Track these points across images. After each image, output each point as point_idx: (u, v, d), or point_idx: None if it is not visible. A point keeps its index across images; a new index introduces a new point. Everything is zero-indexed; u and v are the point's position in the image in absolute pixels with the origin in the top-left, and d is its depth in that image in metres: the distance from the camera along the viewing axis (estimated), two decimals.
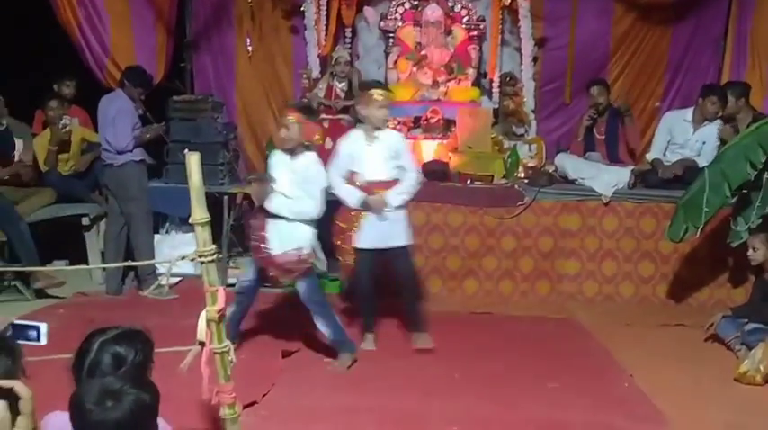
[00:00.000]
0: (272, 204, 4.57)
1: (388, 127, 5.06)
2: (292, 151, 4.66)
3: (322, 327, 4.75)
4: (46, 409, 2.18)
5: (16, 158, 6.55)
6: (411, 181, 4.97)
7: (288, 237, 4.58)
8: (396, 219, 4.95)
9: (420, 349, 5.04)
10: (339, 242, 5.06)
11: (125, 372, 2.01)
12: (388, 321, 5.67)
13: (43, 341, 2.36)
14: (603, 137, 7.11)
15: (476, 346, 5.30)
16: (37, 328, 2.38)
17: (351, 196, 4.92)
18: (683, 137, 6.67)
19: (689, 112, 6.70)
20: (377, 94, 4.90)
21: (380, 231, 4.92)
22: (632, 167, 6.67)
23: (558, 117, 8.24)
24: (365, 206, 4.90)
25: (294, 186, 4.59)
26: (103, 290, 6.44)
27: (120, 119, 6.24)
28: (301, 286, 4.69)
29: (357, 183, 4.93)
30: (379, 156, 4.92)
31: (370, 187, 4.90)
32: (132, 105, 6.39)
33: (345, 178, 4.95)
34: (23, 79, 7.08)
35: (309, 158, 4.66)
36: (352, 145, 4.99)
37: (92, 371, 2.26)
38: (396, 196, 4.91)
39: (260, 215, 4.68)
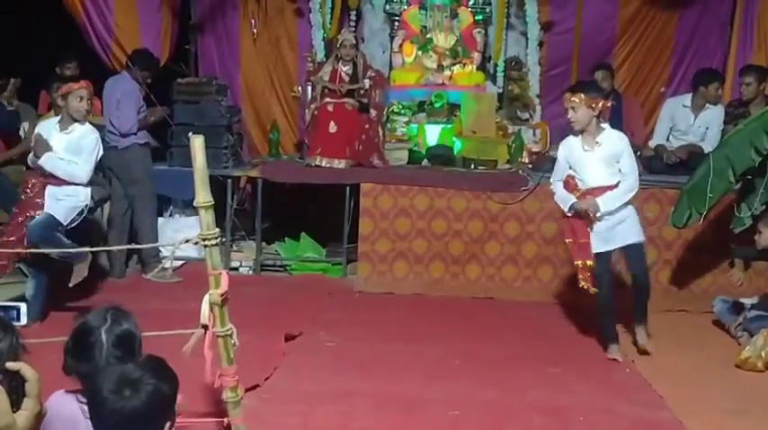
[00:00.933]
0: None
1: (604, 129, 4.79)
2: (69, 122, 5.11)
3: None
4: (48, 390, 2.20)
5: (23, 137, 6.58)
6: (626, 186, 4.73)
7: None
8: (623, 217, 4.76)
9: (641, 350, 4.86)
10: (579, 263, 4.78)
11: (144, 361, 2.00)
12: (390, 308, 5.69)
13: (23, 321, 2.35)
14: (608, 123, 7.06)
15: (478, 331, 5.32)
16: (17, 309, 2.37)
17: (563, 202, 4.85)
18: (685, 123, 6.67)
19: (687, 98, 6.71)
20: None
21: (611, 232, 4.76)
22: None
23: (563, 102, 8.16)
24: (576, 212, 4.76)
25: (68, 153, 5.08)
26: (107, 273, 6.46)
27: (125, 101, 6.24)
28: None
29: (577, 189, 4.79)
30: (598, 161, 4.73)
31: (590, 193, 4.74)
32: (138, 88, 6.39)
33: (564, 182, 4.85)
34: (27, 60, 7.07)
35: (87, 129, 5.17)
36: (570, 151, 4.85)
37: (108, 361, 2.24)
38: (609, 200, 4.70)
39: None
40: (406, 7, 7.75)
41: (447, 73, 7.52)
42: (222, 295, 2.97)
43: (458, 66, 7.56)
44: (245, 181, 7.03)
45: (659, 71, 8.15)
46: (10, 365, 1.70)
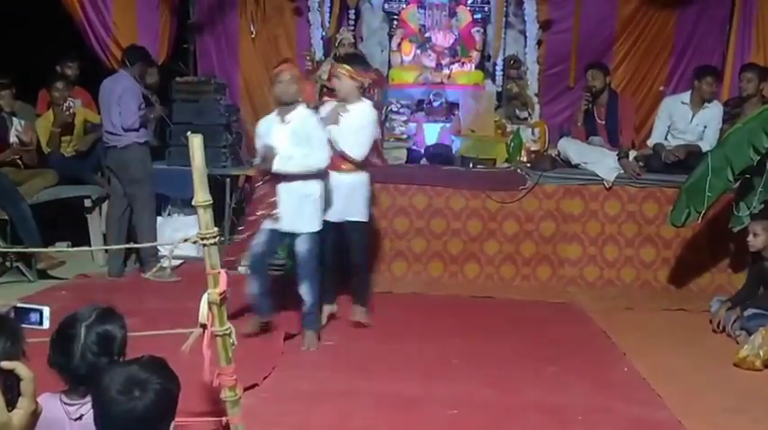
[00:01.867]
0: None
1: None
2: (286, 111, 4.70)
3: (305, 294, 4.81)
4: (45, 390, 2.20)
5: (13, 141, 6.54)
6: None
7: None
8: (346, 193, 4.96)
9: (356, 322, 5.19)
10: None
11: (147, 362, 2.00)
12: (389, 308, 5.68)
13: (46, 325, 2.34)
14: (604, 122, 7.07)
15: (476, 330, 5.32)
16: (40, 312, 2.36)
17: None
18: (684, 121, 6.63)
19: (686, 95, 6.68)
20: (334, 65, 4.97)
21: (338, 205, 4.97)
22: (635, 154, 6.67)
23: (561, 101, 8.19)
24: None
25: (293, 146, 4.64)
26: (106, 272, 6.46)
27: (125, 98, 6.22)
28: (302, 246, 4.76)
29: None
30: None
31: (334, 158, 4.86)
32: (137, 85, 6.38)
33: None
34: (25, 58, 7.07)
35: (305, 112, 4.76)
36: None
37: (83, 356, 2.27)
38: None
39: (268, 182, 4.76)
40: (404, 6, 7.75)
41: (446, 72, 7.53)
42: (221, 294, 2.97)
43: (456, 64, 7.57)
44: (243, 180, 7.02)
45: (657, 70, 8.15)
46: (4, 364, 1.71)
